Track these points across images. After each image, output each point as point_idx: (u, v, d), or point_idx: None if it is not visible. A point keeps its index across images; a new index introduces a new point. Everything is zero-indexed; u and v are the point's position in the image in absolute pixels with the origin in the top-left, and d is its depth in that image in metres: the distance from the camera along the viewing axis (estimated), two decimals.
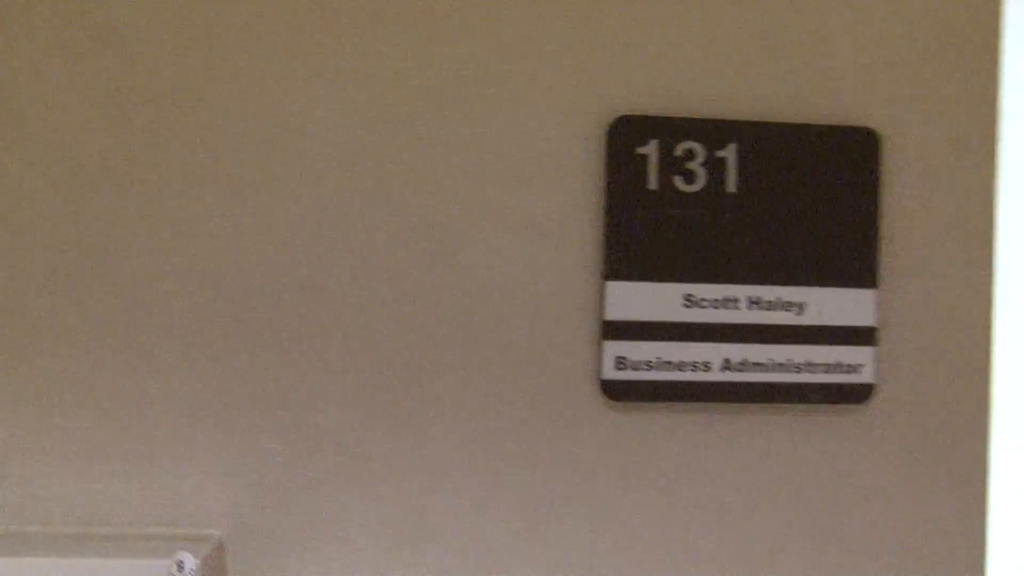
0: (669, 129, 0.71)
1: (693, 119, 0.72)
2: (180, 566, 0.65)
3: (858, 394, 0.74)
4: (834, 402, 0.73)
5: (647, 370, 0.71)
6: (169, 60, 0.69)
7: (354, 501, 0.71)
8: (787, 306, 0.72)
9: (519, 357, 0.71)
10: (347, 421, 0.71)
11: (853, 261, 0.73)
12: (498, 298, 0.71)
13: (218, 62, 0.70)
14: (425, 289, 0.71)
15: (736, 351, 0.72)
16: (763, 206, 0.72)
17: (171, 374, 0.70)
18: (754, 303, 0.72)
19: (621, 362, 0.71)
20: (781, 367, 0.72)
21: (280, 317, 0.70)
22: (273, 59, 0.70)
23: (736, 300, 0.72)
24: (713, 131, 0.72)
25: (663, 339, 0.71)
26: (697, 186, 0.71)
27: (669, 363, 0.71)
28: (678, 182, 0.71)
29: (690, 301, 0.71)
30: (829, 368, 0.73)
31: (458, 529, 0.72)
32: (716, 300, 0.71)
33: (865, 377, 0.73)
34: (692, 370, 0.71)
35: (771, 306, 0.72)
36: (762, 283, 0.72)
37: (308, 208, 0.70)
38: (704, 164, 0.71)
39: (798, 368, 0.73)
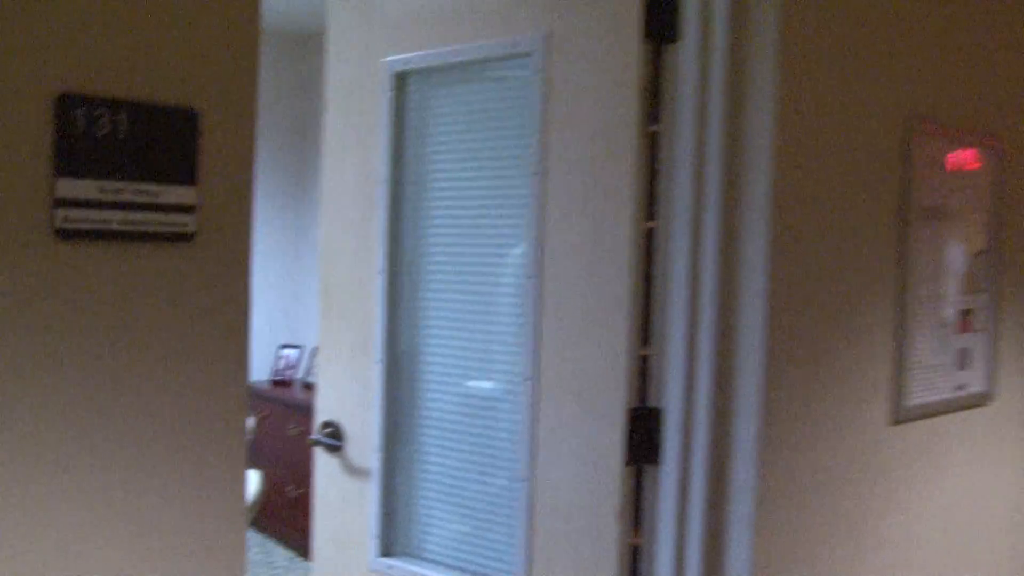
0: (89, 103, 1.40)
1: (113, 99, 1.41)
2: None
3: (186, 238, 1.52)
4: (175, 241, 1.51)
5: (83, 224, 1.40)
6: None
7: None
8: (149, 193, 1.47)
9: (10, 220, 1.35)
10: None
11: (185, 169, 1.50)
12: None
13: None
14: None
15: (130, 216, 1.45)
16: (145, 146, 1.45)
17: None
18: (136, 192, 1.45)
19: (66, 219, 1.39)
20: (155, 224, 1.47)
21: None
22: None
23: (123, 190, 1.44)
24: (133, 107, 1.42)
25: (87, 208, 1.41)
26: (103, 132, 1.42)
27: (93, 220, 1.41)
28: (94, 130, 1.41)
29: (101, 191, 1.42)
30: (175, 224, 1.50)
31: None
32: (116, 190, 1.43)
33: (190, 229, 1.52)
34: (103, 224, 1.43)
35: (141, 194, 1.46)
36: (139, 181, 1.45)
37: None
38: (109, 120, 1.42)
39: (160, 224, 1.48)
